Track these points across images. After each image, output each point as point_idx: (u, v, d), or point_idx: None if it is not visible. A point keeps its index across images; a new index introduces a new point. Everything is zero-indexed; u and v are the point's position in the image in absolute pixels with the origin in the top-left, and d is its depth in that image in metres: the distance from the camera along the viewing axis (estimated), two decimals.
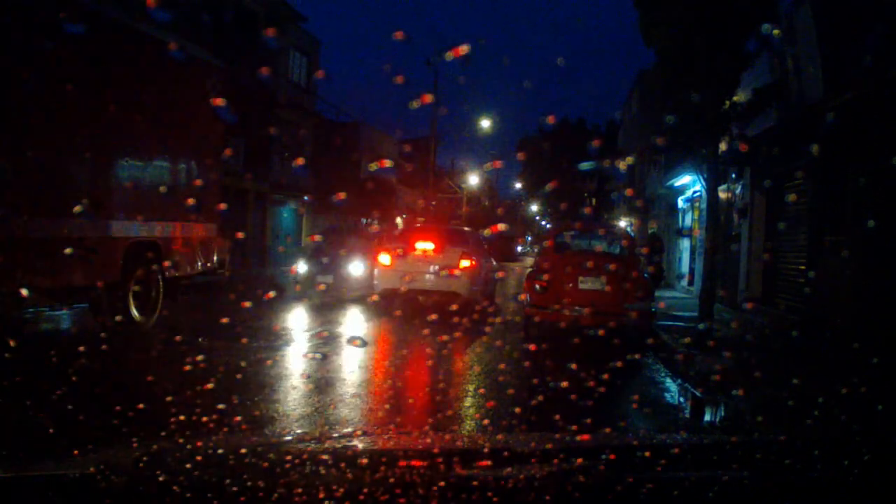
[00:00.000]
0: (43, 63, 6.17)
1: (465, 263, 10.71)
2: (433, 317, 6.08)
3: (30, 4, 6.19)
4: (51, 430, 2.43)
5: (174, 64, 8.06)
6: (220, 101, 8.07)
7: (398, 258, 11.01)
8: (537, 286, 8.58)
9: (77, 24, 6.25)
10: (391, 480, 1.20)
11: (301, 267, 13.63)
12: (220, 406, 2.84)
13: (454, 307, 7.85)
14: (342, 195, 16.86)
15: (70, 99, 6.45)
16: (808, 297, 9.27)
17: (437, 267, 10.58)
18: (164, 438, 1.37)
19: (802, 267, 10.00)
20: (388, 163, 25.87)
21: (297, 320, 10.24)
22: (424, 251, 11.05)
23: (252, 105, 17.07)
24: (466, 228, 15.45)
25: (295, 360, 6.89)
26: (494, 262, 13.46)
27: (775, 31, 9.02)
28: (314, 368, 6.38)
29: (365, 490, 1.18)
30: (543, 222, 51.74)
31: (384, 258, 11.20)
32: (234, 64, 12.65)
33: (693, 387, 6.32)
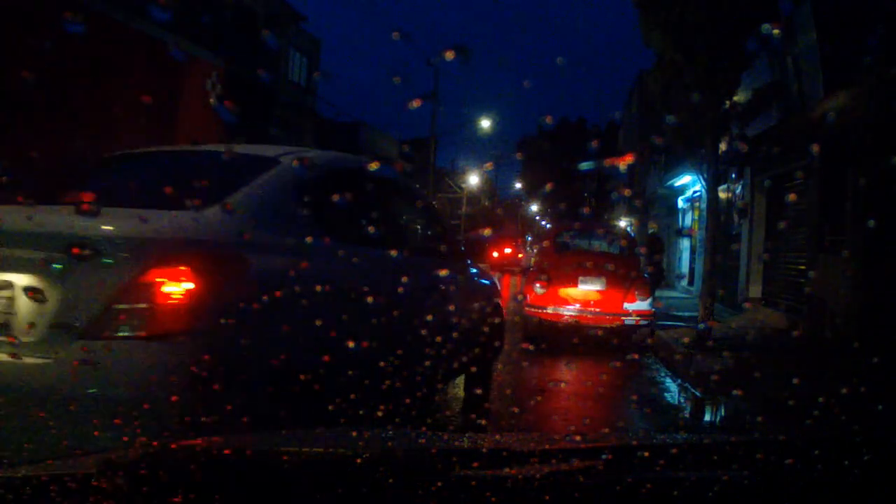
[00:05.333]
0: (42, 63, 6.17)
1: (520, 256, 26.50)
2: None
3: (30, 5, 6.20)
4: (52, 431, 2.43)
5: (174, 63, 8.08)
6: (219, 101, 8.08)
7: (496, 252, 26.90)
8: (537, 286, 8.58)
9: (77, 24, 6.25)
10: (391, 480, 1.20)
11: None
12: (224, 406, 2.84)
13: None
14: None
15: (71, 99, 6.45)
16: (808, 297, 9.26)
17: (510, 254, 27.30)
18: (164, 438, 1.37)
19: (802, 267, 10.00)
20: (397, 165, 26.07)
21: None
22: (504, 251, 27.60)
23: (252, 105, 17.05)
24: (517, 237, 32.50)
25: None
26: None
27: (775, 31, 9.01)
28: None
29: (364, 490, 1.18)
30: (543, 222, 51.77)
31: (495, 253, 26.76)
32: (234, 64, 12.65)
33: (693, 387, 6.32)
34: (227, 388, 2.33)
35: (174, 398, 2.28)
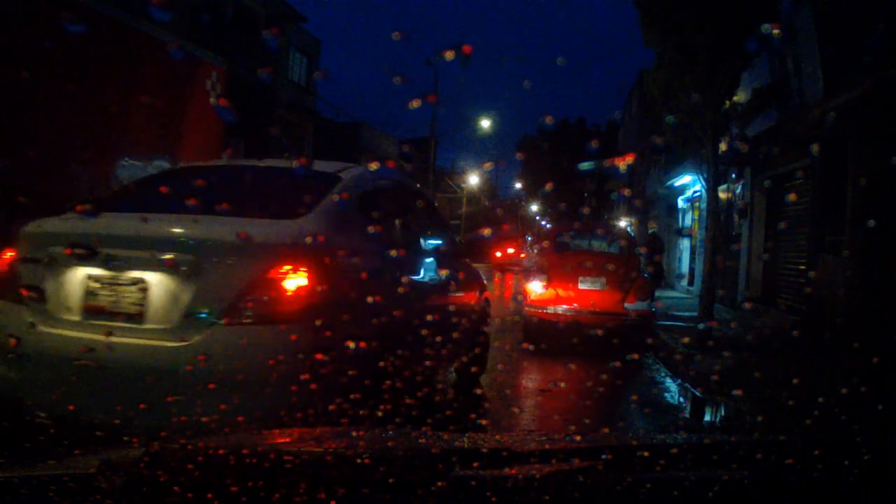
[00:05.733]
0: (43, 63, 6.17)
1: (522, 255, 25.48)
2: None
3: (31, 5, 6.19)
4: (51, 431, 2.43)
5: (174, 64, 8.07)
6: (219, 101, 8.08)
7: (500, 252, 28.75)
8: (537, 286, 8.58)
9: (77, 24, 6.26)
10: (391, 480, 1.20)
11: None
12: (224, 406, 2.85)
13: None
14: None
15: (71, 99, 6.45)
16: (808, 297, 9.26)
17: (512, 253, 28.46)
18: (164, 438, 1.37)
19: (802, 267, 10.00)
20: (389, 163, 26.01)
21: None
22: (508, 251, 28.84)
23: (252, 105, 17.04)
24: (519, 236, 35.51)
25: None
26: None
27: (775, 31, 9.01)
28: None
29: (365, 490, 1.18)
30: (543, 222, 51.75)
31: (498, 253, 28.70)
32: (234, 64, 12.65)
33: (693, 387, 6.32)
34: (334, 359, 2.81)
35: (296, 371, 2.70)
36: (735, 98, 9.19)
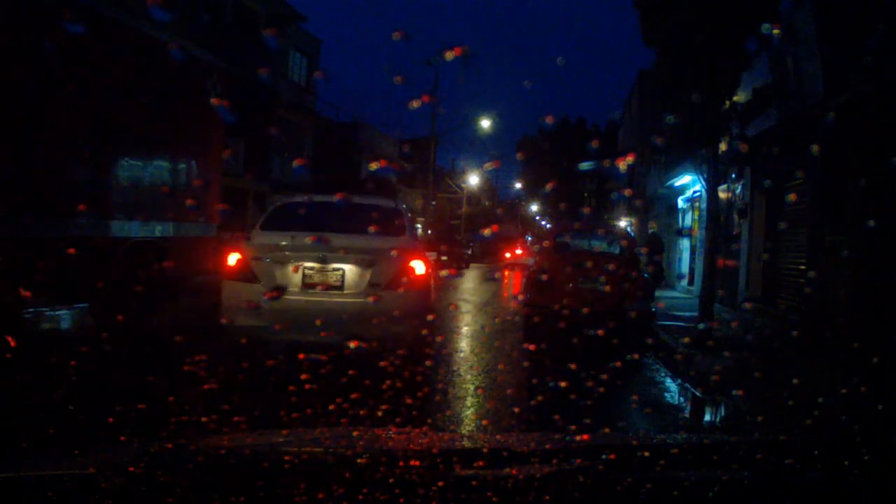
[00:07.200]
0: (43, 63, 6.17)
1: (528, 255, 27.40)
2: None
3: (31, 5, 6.19)
4: (51, 431, 2.43)
5: (174, 64, 8.06)
6: (219, 101, 8.08)
7: (509, 253, 38.28)
8: (537, 286, 8.57)
9: (77, 24, 6.25)
10: (391, 480, 1.20)
11: None
12: (224, 406, 2.85)
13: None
14: (342, 195, 16.85)
15: (71, 99, 6.45)
16: (808, 297, 9.26)
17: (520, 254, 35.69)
18: (164, 438, 1.37)
19: (802, 267, 9.99)
20: (382, 162, 25.99)
21: None
22: (516, 252, 36.80)
23: (252, 105, 17.04)
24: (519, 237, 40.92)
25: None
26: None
27: (775, 31, 8.99)
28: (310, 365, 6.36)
29: (365, 490, 1.18)
30: (543, 222, 51.71)
31: (507, 255, 38.02)
32: (234, 64, 12.65)
33: (693, 387, 6.32)
34: (430, 310, 5.91)
35: (424, 312, 5.48)
36: (735, 98, 9.16)
